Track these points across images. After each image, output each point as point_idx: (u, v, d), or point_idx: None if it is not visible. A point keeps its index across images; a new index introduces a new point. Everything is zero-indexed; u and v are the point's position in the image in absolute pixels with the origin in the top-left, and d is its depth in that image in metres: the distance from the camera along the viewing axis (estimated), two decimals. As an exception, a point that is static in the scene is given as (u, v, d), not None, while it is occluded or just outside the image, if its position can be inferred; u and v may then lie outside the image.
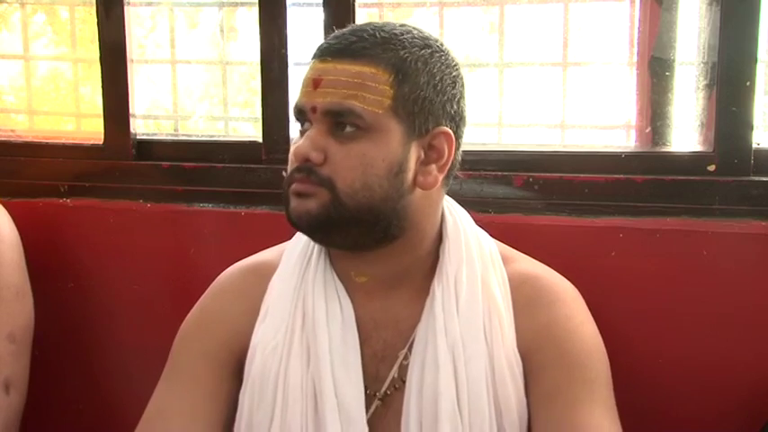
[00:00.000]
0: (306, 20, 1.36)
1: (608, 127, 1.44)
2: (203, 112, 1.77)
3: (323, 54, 0.89)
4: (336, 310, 0.95)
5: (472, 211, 1.03)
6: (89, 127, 1.72)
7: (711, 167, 1.18)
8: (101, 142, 1.45)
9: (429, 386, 0.91)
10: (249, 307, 0.99)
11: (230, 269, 1.06)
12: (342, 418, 0.90)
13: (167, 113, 1.71)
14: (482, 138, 1.45)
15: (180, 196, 1.40)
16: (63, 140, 1.51)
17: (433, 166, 0.91)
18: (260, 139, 1.38)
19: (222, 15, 1.64)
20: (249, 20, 1.65)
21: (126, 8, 1.40)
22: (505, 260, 1.00)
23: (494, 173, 1.25)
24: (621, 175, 1.21)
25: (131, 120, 1.43)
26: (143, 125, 1.60)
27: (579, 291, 1.00)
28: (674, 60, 1.29)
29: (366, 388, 0.93)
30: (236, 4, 1.67)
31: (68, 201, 1.44)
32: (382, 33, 0.89)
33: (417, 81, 0.88)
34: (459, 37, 1.50)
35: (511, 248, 1.03)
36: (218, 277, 1.05)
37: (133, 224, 1.40)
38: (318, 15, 1.31)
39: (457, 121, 0.93)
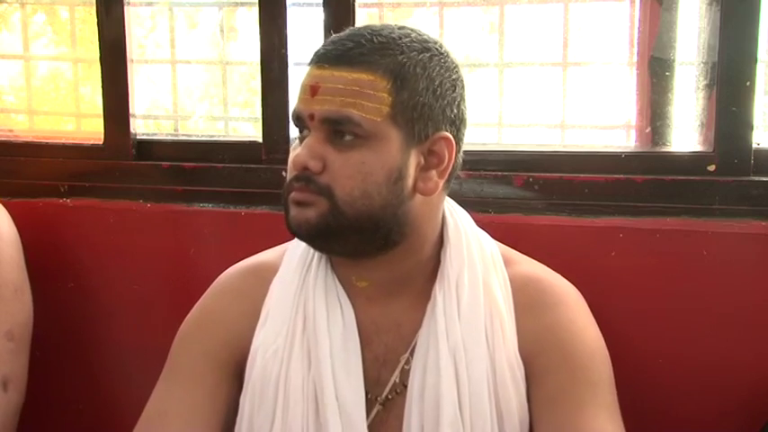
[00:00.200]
0: (306, 20, 1.36)
1: (608, 127, 1.44)
2: (203, 112, 1.78)
3: (320, 60, 0.88)
4: (337, 315, 0.95)
5: (472, 211, 1.03)
6: (89, 127, 1.72)
7: (711, 167, 1.18)
8: (101, 142, 1.45)
9: (431, 390, 0.90)
10: (249, 308, 0.99)
11: (231, 270, 1.05)
12: (343, 422, 0.90)
13: (167, 113, 1.71)
14: (482, 138, 1.45)
15: (180, 196, 1.40)
16: (63, 140, 1.51)
17: (434, 172, 0.90)
18: (260, 139, 1.37)
19: (222, 15, 1.64)
20: (249, 20, 1.65)
21: (126, 8, 1.40)
22: (507, 262, 0.99)
23: (494, 173, 1.25)
24: (621, 175, 1.21)
25: (131, 120, 1.43)
26: (143, 125, 1.60)
27: (579, 291, 1.00)
28: (674, 60, 1.29)
29: (367, 392, 0.93)
30: (236, 4, 1.67)
31: (68, 201, 1.44)
32: (380, 38, 0.87)
33: (416, 87, 0.87)
34: (460, 37, 1.50)
35: (512, 250, 1.03)
36: (219, 278, 1.05)
37: (133, 224, 1.40)
38: (318, 15, 1.31)
39: (457, 124, 0.92)
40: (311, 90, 0.87)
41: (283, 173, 1.32)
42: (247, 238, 1.26)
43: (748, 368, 1.14)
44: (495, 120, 1.45)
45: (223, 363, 0.97)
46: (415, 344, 0.94)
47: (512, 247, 1.03)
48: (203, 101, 1.83)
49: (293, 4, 1.34)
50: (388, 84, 0.86)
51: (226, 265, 1.07)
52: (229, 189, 1.37)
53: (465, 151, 0.96)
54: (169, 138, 1.55)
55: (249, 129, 1.70)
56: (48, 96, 1.81)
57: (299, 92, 0.90)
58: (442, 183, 0.91)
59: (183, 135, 1.66)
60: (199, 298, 1.04)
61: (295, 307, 0.96)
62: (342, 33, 0.90)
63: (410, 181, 0.88)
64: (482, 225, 1.03)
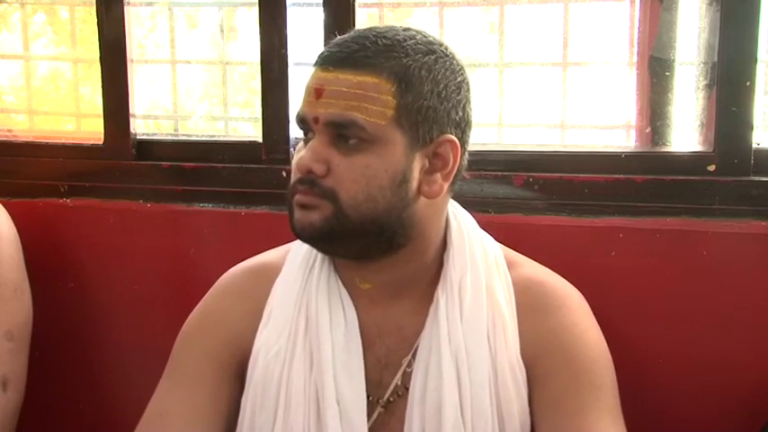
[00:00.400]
0: (306, 20, 1.36)
1: (608, 127, 1.44)
2: (203, 112, 1.77)
3: (324, 62, 0.88)
4: (340, 317, 0.95)
5: (472, 211, 1.03)
6: (89, 127, 1.72)
7: (711, 167, 1.18)
8: (101, 142, 1.45)
9: (432, 393, 0.90)
10: (252, 308, 0.99)
11: (233, 270, 1.05)
12: (344, 424, 0.90)
13: (167, 113, 1.71)
14: (482, 138, 1.45)
15: (180, 196, 1.40)
16: (63, 140, 1.51)
17: (438, 175, 0.90)
18: (260, 139, 1.37)
19: (222, 15, 1.64)
20: (249, 20, 1.65)
21: (126, 8, 1.40)
22: (510, 265, 0.99)
23: (494, 173, 1.25)
24: (621, 175, 1.21)
25: (131, 120, 1.43)
26: (143, 125, 1.60)
27: (579, 291, 1.00)
28: (673, 60, 1.29)
29: (369, 395, 0.93)
30: (236, 5, 1.67)
31: (68, 201, 1.44)
32: (384, 40, 0.87)
33: (421, 90, 0.86)
34: (460, 37, 1.50)
35: (515, 252, 1.02)
36: (221, 278, 1.05)
37: (133, 224, 1.40)
38: (318, 15, 1.31)
39: (462, 127, 0.91)
40: (316, 93, 0.87)
41: (283, 173, 1.34)
42: (247, 239, 1.27)
43: (748, 368, 1.14)
44: (495, 120, 1.45)
45: (225, 363, 0.97)
46: (417, 346, 0.94)
47: (512, 248, 1.03)
48: (203, 101, 1.83)
49: (293, 4, 1.34)
50: (392, 87, 0.85)
51: (226, 265, 1.06)
52: (229, 189, 1.37)
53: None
54: (169, 138, 1.55)
55: (249, 129, 1.70)
56: (48, 96, 1.81)
57: (303, 94, 0.90)
58: (446, 186, 0.91)
59: (183, 135, 1.66)
60: (199, 298, 1.04)
61: (297, 308, 0.96)
62: (346, 35, 0.90)
63: (414, 184, 0.88)
64: (482, 225, 1.03)
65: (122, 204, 1.41)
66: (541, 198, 1.23)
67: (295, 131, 1.36)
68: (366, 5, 1.51)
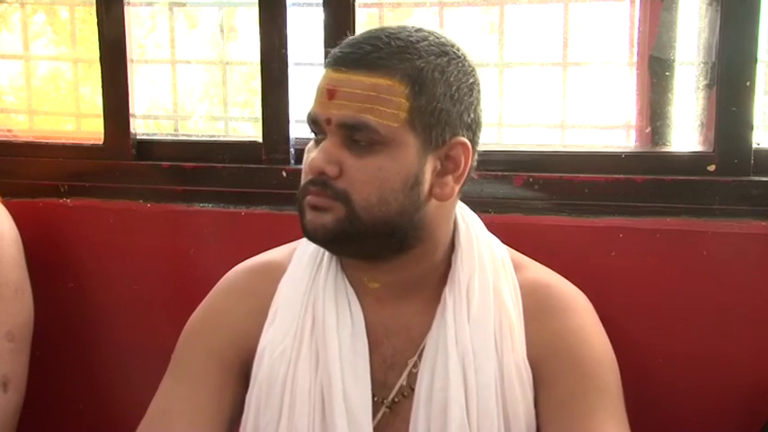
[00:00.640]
0: (306, 20, 1.36)
1: (608, 127, 1.44)
2: (203, 112, 1.77)
3: (337, 63, 0.87)
4: (347, 316, 0.94)
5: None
6: (89, 127, 1.72)
7: (711, 167, 1.18)
8: (101, 142, 1.45)
9: (438, 394, 0.90)
10: (256, 307, 0.99)
11: (237, 268, 1.04)
12: (349, 424, 0.90)
13: (167, 113, 1.71)
14: (482, 138, 1.44)
15: (180, 196, 1.40)
16: (63, 140, 1.51)
17: (450, 177, 0.89)
18: (260, 139, 1.37)
19: (222, 15, 1.64)
20: (249, 20, 1.65)
21: (126, 8, 1.40)
22: (517, 267, 0.99)
23: (494, 173, 1.25)
24: (621, 175, 1.21)
25: (131, 120, 1.43)
26: (143, 125, 1.60)
27: (580, 290, 1.00)
28: (673, 60, 1.29)
29: (374, 395, 0.93)
30: (236, 4, 1.67)
31: (68, 201, 1.44)
32: (398, 41, 0.86)
33: (434, 92, 0.86)
34: (460, 37, 1.49)
35: (522, 255, 1.02)
36: (225, 276, 1.04)
37: (133, 224, 1.40)
38: (318, 15, 1.31)
39: (474, 128, 0.91)
40: (328, 94, 0.86)
41: (283, 173, 1.34)
42: (247, 239, 1.27)
43: (748, 367, 1.14)
44: (496, 120, 1.45)
45: (228, 362, 0.97)
46: (424, 347, 0.93)
47: (512, 248, 1.03)
48: (203, 101, 1.82)
49: (293, 4, 1.34)
50: (405, 89, 0.85)
51: (226, 265, 1.06)
52: (229, 189, 1.37)
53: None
54: (169, 138, 1.55)
55: (249, 129, 1.70)
56: (48, 96, 1.80)
57: (315, 94, 0.89)
58: (457, 188, 0.91)
59: (183, 135, 1.66)
60: (199, 298, 1.04)
61: (304, 306, 0.95)
62: (358, 35, 0.89)
63: (426, 186, 0.88)
64: (482, 225, 1.03)
65: (122, 204, 1.41)
66: (541, 198, 1.23)
67: (295, 131, 1.36)
68: (366, 5, 1.51)
